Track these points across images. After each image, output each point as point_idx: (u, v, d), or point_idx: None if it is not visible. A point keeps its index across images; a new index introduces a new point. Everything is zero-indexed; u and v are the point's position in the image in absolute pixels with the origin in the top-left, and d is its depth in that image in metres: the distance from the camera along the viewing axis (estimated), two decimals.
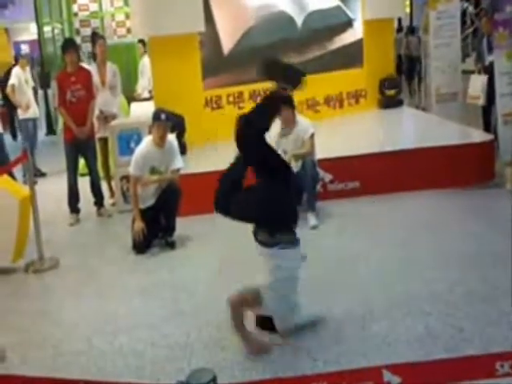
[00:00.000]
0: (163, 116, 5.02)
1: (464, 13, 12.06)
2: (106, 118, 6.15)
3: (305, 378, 1.94)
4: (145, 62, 9.28)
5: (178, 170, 5.17)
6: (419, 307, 3.65)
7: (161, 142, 5.02)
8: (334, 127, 7.36)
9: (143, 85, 9.32)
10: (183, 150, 6.44)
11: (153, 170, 5.09)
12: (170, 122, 5.08)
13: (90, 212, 6.13)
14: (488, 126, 7.14)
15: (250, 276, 4.38)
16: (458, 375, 1.79)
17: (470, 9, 12.44)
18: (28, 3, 14.13)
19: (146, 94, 9.26)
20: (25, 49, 7.83)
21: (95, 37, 7.42)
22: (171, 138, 5.20)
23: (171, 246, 5.05)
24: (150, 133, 5.14)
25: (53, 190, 6.87)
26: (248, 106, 7.37)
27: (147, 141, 5.12)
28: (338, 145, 6.48)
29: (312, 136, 5.44)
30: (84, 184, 6.18)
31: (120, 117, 6.43)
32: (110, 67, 6.40)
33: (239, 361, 3.25)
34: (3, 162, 6.61)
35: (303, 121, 5.54)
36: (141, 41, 9.54)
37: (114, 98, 6.26)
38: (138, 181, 5.05)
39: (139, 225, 4.94)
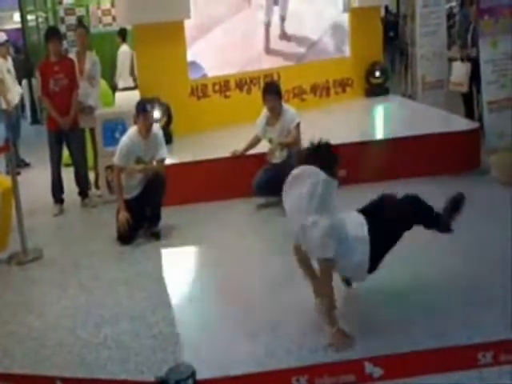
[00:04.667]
0: (148, 107, 4.97)
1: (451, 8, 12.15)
2: (82, 110, 6.03)
3: (286, 371, 1.93)
4: (122, 52, 9.23)
5: (163, 160, 5.12)
6: (400, 294, 3.66)
7: (146, 132, 4.97)
8: (320, 116, 7.33)
9: (121, 75, 9.29)
10: (169, 139, 6.39)
11: (138, 161, 5.04)
12: (155, 112, 5.04)
13: (74, 202, 6.07)
14: (470, 113, 7.15)
15: (236, 265, 4.39)
16: (439, 366, 1.79)
17: (454, 3, 12.57)
18: None
19: (121, 84, 9.22)
20: (2, 36, 7.72)
21: (77, 26, 7.30)
22: (156, 128, 5.15)
23: (156, 236, 5.01)
24: (135, 123, 5.09)
25: (37, 180, 6.79)
26: (234, 95, 7.44)
27: (132, 131, 5.06)
28: (324, 133, 6.39)
29: (298, 125, 5.41)
30: (69, 174, 6.12)
31: (99, 108, 6.29)
32: (90, 57, 6.25)
33: (223, 352, 3.24)
34: None
35: (289, 110, 5.52)
36: (120, 32, 9.44)
37: (92, 88, 6.14)
38: (122, 171, 5.00)
39: (124, 215, 4.90)
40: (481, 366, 1.80)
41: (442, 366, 1.80)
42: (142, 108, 4.95)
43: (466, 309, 3.45)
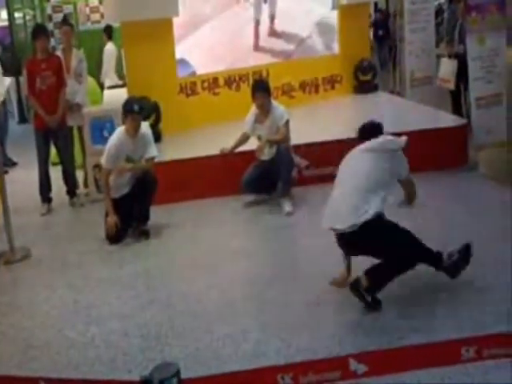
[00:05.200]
0: (136, 107, 4.89)
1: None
2: (70, 108, 5.99)
3: (270, 368, 1.93)
4: (108, 50, 9.19)
5: (153, 158, 5.09)
6: (384, 290, 3.68)
7: (134, 132, 4.92)
8: (309, 113, 7.33)
9: (107, 73, 9.26)
10: (158, 137, 6.36)
11: (127, 160, 5.00)
12: (143, 111, 4.98)
13: (62, 201, 6.03)
14: (458, 109, 7.18)
15: (224, 264, 4.38)
16: (423, 362, 1.79)
17: (443, 0, 12.64)
18: None
19: (108, 83, 9.18)
20: None
21: (62, 23, 7.25)
22: (145, 126, 5.12)
23: (145, 235, 4.99)
24: (123, 123, 5.05)
25: (24, 179, 6.74)
26: (223, 92, 7.42)
27: (120, 131, 5.00)
28: (313, 130, 6.46)
29: (287, 123, 5.40)
30: (57, 173, 6.09)
31: (86, 106, 6.25)
32: (76, 54, 6.19)
33: (213, 350, 3.24)
34: None
35: (278, 107, 5.50)
36: (106, 29, 9.39)
37: (79, 85, 6.11)
38: (109, 173, 4.96)
39: (112, 218, 4.86)
40: (464, 361, 1.81)
41: (426, 362, 1.80)
42: (130, 108, 4.89)
43: (450, 304, 3.46)
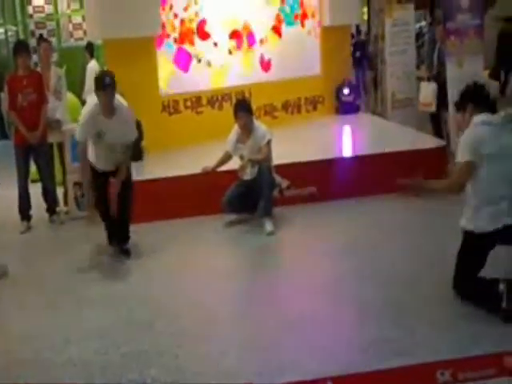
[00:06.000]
0: (107, 79, 4.49)
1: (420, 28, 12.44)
2: (50, 124, 5.96)
3: None
4: (90, 67, 9.15)
5: (131, 142, 4.82)
6: (369, 311, 3.68)
7: (109, 109, 4.55)
8: (291, 133, 7.38)
9: (89, 91, 9.21)
10: (140, 155, 6.36)
11: (99, 136, 4.61)
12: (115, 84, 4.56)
13: (42, 219, 5.96)
14: (438, 131, 7.28)
15: (205, 283, 4.36)
16: None
17: (424, 23, 12.88)
18: None
19: (90, 100, 9.10)
20: None
21: (40, 40, 7.24)
22: (121, 102, 4.70)
23: (126, 253, 4.95)
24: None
25: (3, 196, 6.66)
26: (206, 111, 7.44)
27: (94, 108, 4.62)
28: (295, 150, 6.50)
29: (269, 142, 5.43)
30: (36, 190, 6.03)
31: (66, 122, 6.22)
32: (55, 71, 6.19)
33: (192, 369, 3.21)
34: None
35: (260, 127, 5.53)
36: (87, 47, 9.36)
37: (58, 103, 6.09)
38: (85, 144, 4.70)
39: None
40: None
41: None
42: (101, 82, 4.48)
43: (426, 327, 3.47)
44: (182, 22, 7.07)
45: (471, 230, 3.63)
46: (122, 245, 4.97)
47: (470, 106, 3.78)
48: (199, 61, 7.24)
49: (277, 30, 8.03)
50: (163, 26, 6.76)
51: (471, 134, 3.63)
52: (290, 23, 8.14)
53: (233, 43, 7.56)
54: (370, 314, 3.69)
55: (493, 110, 3.74)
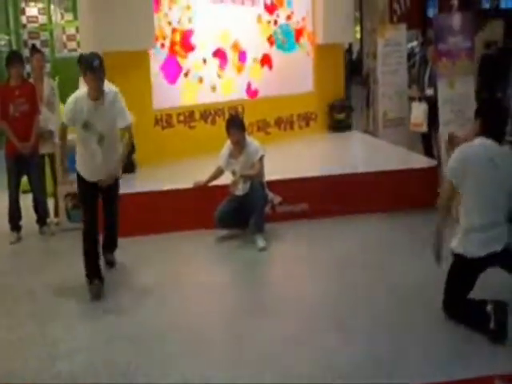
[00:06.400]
0: (96, 62, 4.14)
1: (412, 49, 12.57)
2: (42, 135, 5.94)
3: None
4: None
5: (128, 128, 4.48)
6: (357, 331, 3.68)
7: (96, 94, 4.23)
8: (284, 149, 7.41)
9: None
10: (132, 168, 6.36)
11: (86, 126, 4.32)
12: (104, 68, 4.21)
13: (32, 230, 5.92)
14: (429, 151, 7.34)
15: (196, 299, 4.34)
16: None
17: (415, 43, 13.08)
18: None
19: None
20: None
21: (33, 51, 7.22)
22: (110, 87, 4.38)
23: (111, 264, 4.90)
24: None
25: None
26: (199, 126, 7.45)
27: (80, 93, 4.36)
28: (287, 167, 6.52)
29: (261, 158, 5.45)
30: (27, 201, 5.99)
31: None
32: (48, 82, 6.19)
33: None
34: None
35: (252, 143, 5.55)
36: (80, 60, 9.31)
37: (51, 114, 6.08)
38: (66, 128, 4.49)
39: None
40: None
41: None
42: (88, 64, 4.14)
43: (415, 348, 3.47)
44: (174, 30, 7.03)
45: (461, 253, 3.64)
46: (108, 254, 4.91)
47: (477, 122, 3.74)
48: (186, 75, 7.16)
49: (267, 60, 8.01)
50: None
51: (463, 153, 3.66)
52: (279, 46, 8.16)
53: (216, 61, 7.45)
54: (358, 333, 3.68)
55: (499, 138, 3.65)
